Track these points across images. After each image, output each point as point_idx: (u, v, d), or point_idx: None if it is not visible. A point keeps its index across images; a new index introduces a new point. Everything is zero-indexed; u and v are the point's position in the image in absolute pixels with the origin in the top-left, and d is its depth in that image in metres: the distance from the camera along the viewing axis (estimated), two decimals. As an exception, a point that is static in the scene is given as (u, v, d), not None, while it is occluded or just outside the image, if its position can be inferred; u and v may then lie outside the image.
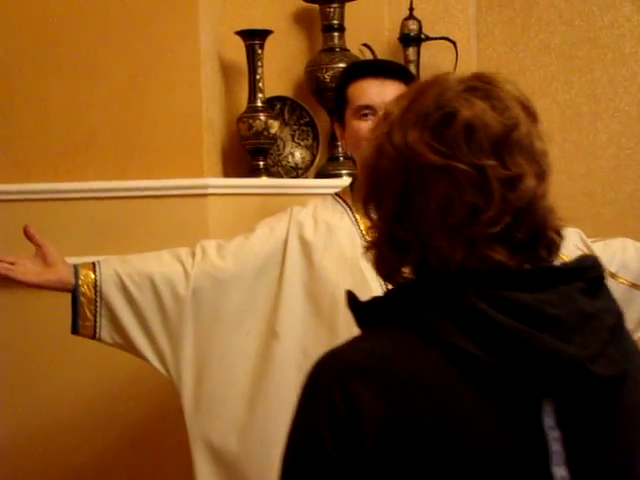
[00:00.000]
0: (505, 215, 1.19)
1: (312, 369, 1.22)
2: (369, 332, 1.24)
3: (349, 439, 1.13)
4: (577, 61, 3.66)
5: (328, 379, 1.18)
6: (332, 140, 3.18)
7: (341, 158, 3.15)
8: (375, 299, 1.26)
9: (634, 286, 2.42)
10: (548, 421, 1.16)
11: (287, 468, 1.19)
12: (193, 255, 2.37)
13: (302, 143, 3.24)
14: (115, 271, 2.31)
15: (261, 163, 3.06)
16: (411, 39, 3.22)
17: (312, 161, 3.23)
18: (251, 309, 2.38)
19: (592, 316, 1.19)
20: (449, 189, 1.18)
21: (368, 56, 3.18)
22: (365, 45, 3.19)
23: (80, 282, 2.28)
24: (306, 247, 2.38)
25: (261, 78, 3.04)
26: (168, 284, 2.33)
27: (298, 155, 3.23)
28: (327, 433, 1.14)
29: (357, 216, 2.42)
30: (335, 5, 3.12)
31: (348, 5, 3.15)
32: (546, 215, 1.23)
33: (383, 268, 1.29)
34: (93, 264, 2.31)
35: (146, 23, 2.90)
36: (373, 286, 2.32)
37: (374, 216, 1.29)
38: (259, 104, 3.04)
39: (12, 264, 2.23)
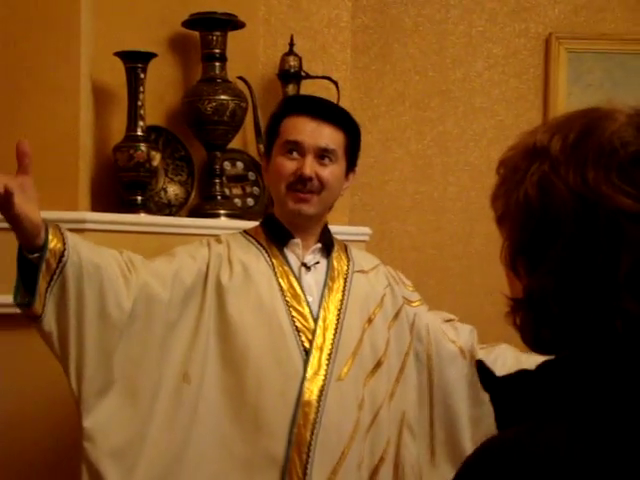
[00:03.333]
0: None
1: (477, 459, 1.02)
2: (541, 421, 1.02)
3: None
4: (430, 112, 3.66)
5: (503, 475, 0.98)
6: (209, 177, 2.96)
7: (219, 197, 2.93)
8: (530, 376, 1.06)
9: None
10: None
11: None
12: (126, 264, 2.07)
13: (176, 179, 2.98)
14: (77, 249, 1.96)
15: (139, 198, 2.79)
16: (291, 76, 3.07)
17: (186, 198, 2.98)
18: (171, 341, 2.13)
19: None
20: None
21: (246, 89, 2.99)
22: (240, 78, 3.00)
23: (49, 244, 1.90)
24: (220, 289, 2.17)
25: (143, 105, 2.78)
26: (114, 288, 2.02)
27: (171, 191, 2.97)
28: None
29: (274, 261, 2.23)
30: (217, 33, 2.92)
31: (230, 34, 2.95)
32: None
33: (543, 334, 1.08)
34: (60, 231, 1.94)
35: (20, 38, 2.59)
36: (290, 340, 2.16)
37: (522, 272, 1.09)
38: (140, 133, 2.78)
39: None
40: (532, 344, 1.10)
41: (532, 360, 2.28)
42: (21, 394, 2.56)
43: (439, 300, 3.58)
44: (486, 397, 2.31)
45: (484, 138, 3.66)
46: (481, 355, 2.35)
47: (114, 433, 2.04)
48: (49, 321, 1.96)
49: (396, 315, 2.35)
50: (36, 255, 1.89)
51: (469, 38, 3.66)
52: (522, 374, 1.08)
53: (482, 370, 1.11)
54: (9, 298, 2.40)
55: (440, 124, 3.65)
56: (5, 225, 2.39)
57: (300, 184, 2.19)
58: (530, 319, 1.09)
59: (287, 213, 2.23)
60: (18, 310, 2.44)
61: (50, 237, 1.90)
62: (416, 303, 2.41)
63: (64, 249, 1.92)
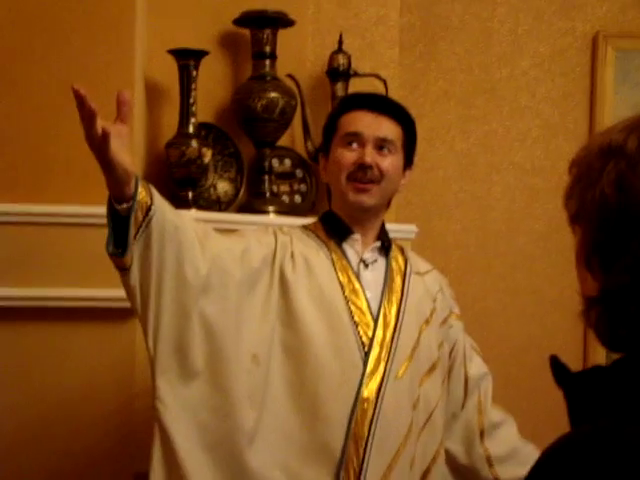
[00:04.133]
0: None
1: (554, 455, 1.03)
2: (619, 419, 1.02)
3: None
4: (475, 111, 3.66)
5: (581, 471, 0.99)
6: (258, 174, 2.98)
7: (267, 194, 2.95)
8: (606, 372, 1.07)
9: None
10: None
11: None
12: (203, 232, 2.09)
13: (225, 175, 3.01)
14: (162, 207, 1.97)
15: (190, 194, 2.81)
16: (340, 74, 3.08)
17: (235, 195, 3.00)
18: (242, 319, 2.12)
19: None
20: None
21: (294, 87, 3.01)
22: (290, 76, 3.02)
23: (138, 196, 1.90)
24: (284, 279, 2.18)
25: (195, 102, 2.80)
26: (191, 251, 2.03)
27: (220, 188, 3.00)
28: None
29: (333, 255, 2.24)
30: (268, 31, 2.94)
31: (279, 32, 2.97)
32: None
33: (619, 332, 1.09)
34: (148, 185, 1.95)
35: (74, 35, 2.62)
36: (349, 333, 2.17)
37: (597, 270, 1.11)
38: (191, 130, 2.80)
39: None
40: (608, 342, 1.11)
41: (529, 448, 2.29)
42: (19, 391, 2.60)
43: (482, 298, 3.61)
44: (476, 444, 2.33)
45: (529, 137, 3.66)
46: (490, 411, 2.39)
47: (188, 398, 2.05)
48: (134, 274, 1.97)
49: (445, 319, 2.37)
50: (124, 206, 1.90)
51: (515, 36, 3.66)
52: (597, 370, 1.09)
53: (556, 365, 1.12)
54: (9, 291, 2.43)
55: (485, 123, 3.65)
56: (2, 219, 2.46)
57: (361, 172, 2.20)
58: (606, 317, 1.09)
59: (347, 205, 2.24)
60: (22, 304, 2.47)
61: (140, 189, 1.90)
62: (455, 316, 2.43)
63: (151, 203, 1.93)
